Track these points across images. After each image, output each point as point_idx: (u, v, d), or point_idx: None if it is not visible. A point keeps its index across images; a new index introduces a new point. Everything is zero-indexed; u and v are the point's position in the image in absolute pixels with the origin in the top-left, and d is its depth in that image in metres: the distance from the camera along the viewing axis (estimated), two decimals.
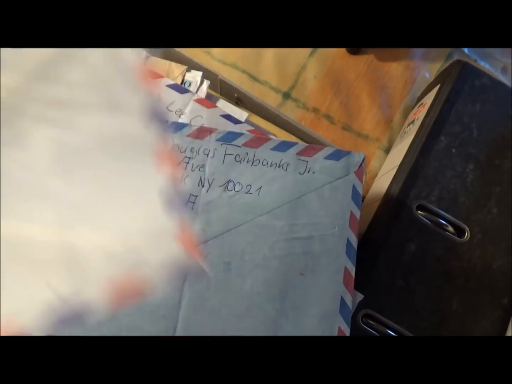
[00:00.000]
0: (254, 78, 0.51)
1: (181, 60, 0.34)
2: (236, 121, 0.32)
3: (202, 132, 0.31)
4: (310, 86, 0.52)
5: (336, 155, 0.31)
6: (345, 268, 0.29)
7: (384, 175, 0.44)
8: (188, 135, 0.31)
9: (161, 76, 0.31)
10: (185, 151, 0.31)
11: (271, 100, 0.51)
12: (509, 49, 0.55)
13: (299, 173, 0.30)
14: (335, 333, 0.27)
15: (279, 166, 0.30)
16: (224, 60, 0.51)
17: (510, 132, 0.40)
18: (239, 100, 0.36)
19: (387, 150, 0.50)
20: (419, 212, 0.38)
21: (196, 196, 0.30)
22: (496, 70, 0.54)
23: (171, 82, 0.31)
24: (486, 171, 0.39)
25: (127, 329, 0.26)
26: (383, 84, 0.52)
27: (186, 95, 0.32)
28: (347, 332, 0.27)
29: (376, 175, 0.49)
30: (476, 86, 0.41)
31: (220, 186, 0.30)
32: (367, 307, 0.35)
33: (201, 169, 0.30)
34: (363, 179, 0.34)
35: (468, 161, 0.39)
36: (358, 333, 0.35)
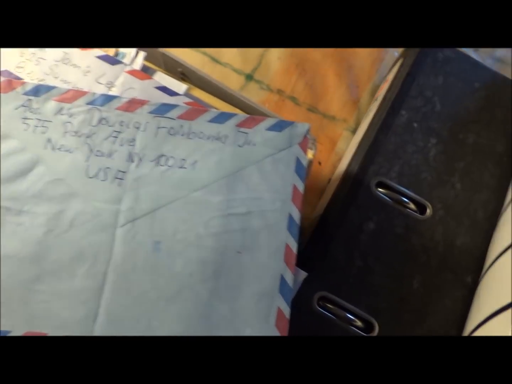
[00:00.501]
0: (216, 60, 0.49)
1: None
2: (172, 93, 0.30)
3: (133, 105, 0.29)
4: (274, 68, 0.50)
5: (279, 126, 0.29)
6: (287, 244, 0.27)
7: (346, 156, 0.43)
8: (117, 108, 0.29)
9: (89, 48, 0.30)
10: (113, 125, 0.29)
11: (233, 83, 0.49)
12: None
13: (238, 145, 0.29)
14: (274, 314, 0.25)
15: (216, 139, 0.29)
16: None
17: (474, 105, 0.38)
18: (184, 75, 0.34)
19: (355, 131, 0.48)
20: (378, 189, 0.36)
21: (125, 172, 0.28)
22: (467, 47, 0.52)
23: (102, 53, 0.30)
24: (449, 145, 0.37)
25: (41, 316, 0.24)
26: (350, 64, 0.50)
27: (118, 66, 0.30)
28: (286, 312, 0.25)
29: (342, 157, 0.47)
30: (439, 59, 0.40)
31: (152, 161, 0.28)
32: (324, 289, 0.33)
33: (131, 144, 0.28)
34: (311, 151, 0.32)
35: (430, 135, 0.37)
36: (314, 317, 0.33)
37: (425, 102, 0.38)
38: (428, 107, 0.38)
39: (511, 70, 0.51)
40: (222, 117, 0.29)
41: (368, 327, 0.33)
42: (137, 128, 0.29)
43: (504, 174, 0.36)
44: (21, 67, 0.30)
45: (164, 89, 0.31)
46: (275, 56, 0.50)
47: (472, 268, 0.34)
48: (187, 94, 0.32)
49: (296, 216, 0.28)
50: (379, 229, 0.35)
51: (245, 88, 0.49)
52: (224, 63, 0.49)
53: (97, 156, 0.28)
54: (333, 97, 0.49)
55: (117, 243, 0.27)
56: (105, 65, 0.30)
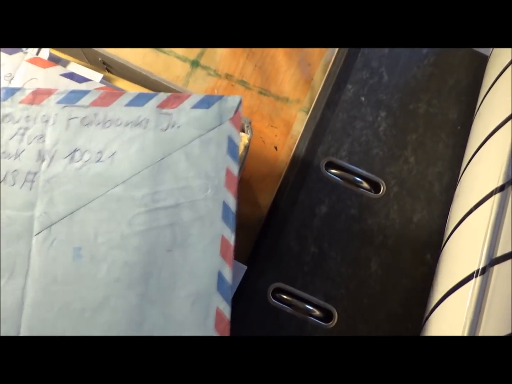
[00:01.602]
0: (157, 49, 0.47)
1: None
2: (82, 79, 0.27)
3: (38, 96, 0.26)
4: (220, 51, 0.47)
5: (206, 102, 0.26)
6: (222, 236, 0.25)
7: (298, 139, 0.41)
8: (21, 102, 0.26)
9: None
10: (18, 121, 0.26)
11: (179, 70, 0.46)
12: None
13: (161, 129, 0.26)
14: (213, 316, 0.23)
15: (136, 125, 0.26)
16: None
17: (423, 73, 0.36)
18: (107, 65, 0.32)
19: (309, 111, 0.46)
20: (329, 170, 0.34)
21: (35, 173, 0.25)
22: None
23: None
24: (400, 118, 0.35)
25: None
26: None
27: (17, 55, 0.27)
28: (227, 312, 0.23)
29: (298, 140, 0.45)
30: None
31: (65, 158, 0.25)
32: (278, 281, 0.32)
33: (40, 140, 0.25)
34: (247, 136, 0.29)
35: (379, 109, 0.36)
36: (270, 310, 0.31)
37: (371, 74, 0.36)
38: (375, 78, 0.36)
39: None
40: (140, 99, 0.26)
41: (327, 315, 0.31)
42: (46, 122, 0.26)
43: (458, 143, 0.35)
44: None
45: (71, 76, 0.28)
46: None
47: (431, 245, 0.33)
48: (104, 81, 0.29)
49: (232, 202, 0.25)
50: (332, 212, 0.33)
51: (192, 75, 0.46)
52: (168, 51, 0.46)
53: (3, 158, 0.25)
54: (284, 78, 0.47)
55: (34, 253, 0.24)
56: (4, 56, 0.28)
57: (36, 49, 0.29)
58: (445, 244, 0.31)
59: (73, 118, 0.26)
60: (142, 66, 0.41)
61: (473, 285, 0.26)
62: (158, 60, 0.46)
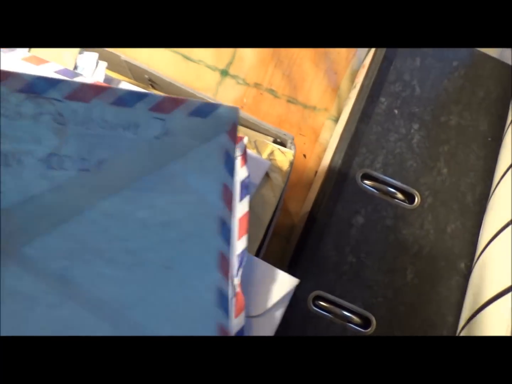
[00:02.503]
0: (187, 58, 0.48)
1: None
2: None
3: None
4: (248, 60, 0.48)
5: (203, 111, 0.24)
6: (220, 252, 0.23)
7: (331, 147, 0.42)
8: None
9: (45, 62, 0.28)
10: None
11: (208, 80, 0.47)
12: None
13: (155, 137, 0.23)
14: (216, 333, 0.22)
15: (124, 129, 0.23)
16: None
17: (454, 85, 0.37)
18: (153, 81, 0.33)
19: (337, 120, 0.47)
20: (364, 181, 0.35)
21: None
22: None
23: (60, 67, 0.28)
24: (432, 130, 0.36)
25: None
26: (326, 50, 0.49)
27: (77, 79, 0.28)
28: (231, 329, 0.23)
29: (327, 148, 0.46)
30: None
31: (37, 164, 0.21)
32: (317, 289, 0.33)
33: None
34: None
35: (412, 121, 0.36)
36: (310, 317, 0.32)
37: (404, 87, 0.37)
38: (407, 91, 0.37)
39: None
40: (130, 98, 0.23)
41: (365, 322, 0.33)
42: (6, 116, 0.21)
43: (489, 155, 0.36)
44: None
45: (65, 72, 0.27)
46: (249, 49, 0.48)
47: (464, 254, 0.34)
48: None
49: (227, 217, 0.24)
50: (368, 222, 0.34)
51: (221, 84, 0.47)
52: (197, 60, 0.48)
53: None
54: (311, 86, 0.48)
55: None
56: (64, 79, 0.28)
57: (93, 71, 0.29)
58: (480, 254, 0.32)
59: (45, 113, 0.21)
60: (174, 75, 0.42)
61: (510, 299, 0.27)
62: (188, 69, 0.47)
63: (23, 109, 0.21)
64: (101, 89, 0.22)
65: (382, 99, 0.37)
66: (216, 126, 0.24)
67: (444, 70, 0.38)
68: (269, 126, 0.30)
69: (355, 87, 0.42)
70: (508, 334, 0.26)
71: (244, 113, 0.30)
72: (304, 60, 0.48)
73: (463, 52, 0.39)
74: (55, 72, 0.28)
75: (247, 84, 0.48)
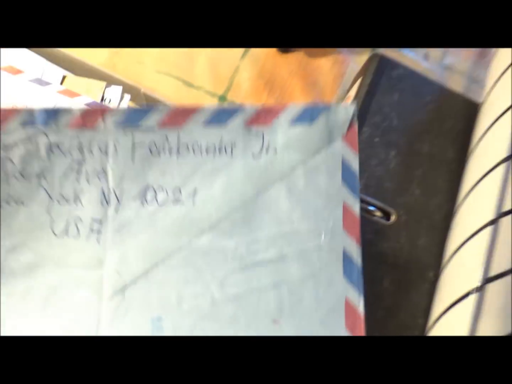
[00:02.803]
0: (189, 84, 0.52)
1: (101, 76, 0.34)
2: None
3: (90, 117, 0.20)
4: (244, 87, 0.53)
5: (308, 116, 0.20)
6: (347, 300, 0.19)
7: None
8: (69, 126, 0.20)
9: (78, 95, 0.32)
10: (70, 153, 0.20)
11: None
12: None
13: (253, 155, 0.20)
14: None
15: (219, 151, 0.20)
16: (158, 68, 0.52)
17: (426, 117, 0.43)
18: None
19: None
20: None
21: (101, 221, 0.20)
22: (419, 57, 0.57)
23: (90, 100, 0.32)
24: (407, 156, 0.42)
25: None
26: (315, 79, 0.54)
27: (48, 87, 0.31)
28: None
29: None
30: (393, 77, 0.44)
31: (135, 199, 0.20)
32: None
33: (101, 177, 0.20)
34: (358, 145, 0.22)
35: (390, 148, 0.42)
36: None
37: (383, 118, 0.43)
38: (387, 122, 0.43)
39: (462, 77, 0.56)
40: (222, 115, 0.20)
41: None
42: (105, 152, 0.20)
43: (455, 179, 0.41)
44: None
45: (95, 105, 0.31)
46: (245, 77, 0.53)
47: (433, 264, 0.39)
48: None
49: (355, 251, 0.20)
50: None
51: None
52: (197, 87, 0.52)
53: (60, 203, 0.20)
54: None
55: (104, 326, 0.19)
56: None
57: (118, 103, 0.34)
58: (446, 265, 0.38)
59: (139, 144, 0.20)
60: (176, 100, 0.47)
61: (488, 231, 0.32)
62: (189, 94, 0.52)
63: (120, 144, 0.20)
64: (193, 111, 0.20)
65: (365, 129, 0.42)
66: (328, 131, 0.20)
67: (418, 104, 0.43)
68: None
69: None
70: (467, 334, 0.31)
71: None
72: (294, 89, 0.54)
73: (435, 89, 0.44)
74: (86, 104, 0.32)
75: None
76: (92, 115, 0.20)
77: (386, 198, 0.40)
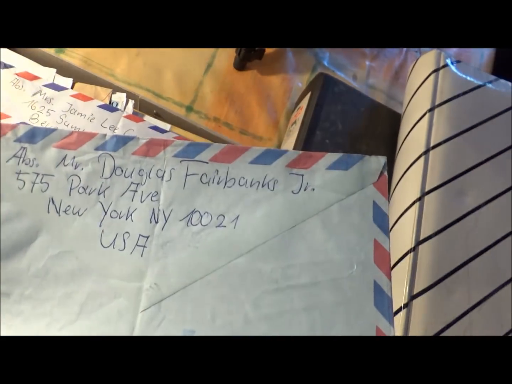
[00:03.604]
0: (159, 95, 0.58)
1: (100, 84, 0.39)
2: (162, 131, 0.38)
3: (153, 147, 0.23)
4: (208, 99, 0.60)
5: (344, 163, 0.24)
6: (377, 328, 0.20)
7: None
8: (134, 153, 0.23)
9: (91, 98, 0.36)
10: (130, 176, 0.23)
11: None
12: (357, 60, 0.71)
13: (292, 192, 0.22)
14: None
15: (263, 185, 0.22)
16: (128, 81, 0.56)
17: (362, 124, 0.54)
18: (158, 115, 0.42)
19: (279, 147, 0.61)
20: None
21: (147, 237, 0.22)
22: (348, 78, 0.70)
23: (101, 103, 0.36)
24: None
25: None
26: (268, 93, 0.63)
27: (116, 113, 0.37)
28: None
29: None
30: (336, 92, 0.55)
31: (181, 220, 0.22)
32: None
33: (153, 198, 0.22)
34: (387, 193, 0.26)
35: (338, 148, 0.52)
36: None
37: (331, 124, 0.53)
38: (334, 127, 0.53)
39: (385, 96, 0.69)
40: (267, 156, 0.24)
41: None
42: (161, 177, 0.23)
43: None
44: (35, 118, 0.35)
45: (155, 128, 0.38)
46: (208, 90, 0.61)
47: None
48: (171, 131, 0.40)
49: (385, 284, 0.21)
50: None
51: (187, 118, 0.58)
52: (166, 98, 0.58)
53: (113, 218, 0.22)
54: (258, 121, 0.62)
55: (137, 335, 0.20)
56: (106, 113, 0.37)
57: (124, 106, 0.38)
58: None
59: (192, 174, 0.23)
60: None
61: (409, 259, 0.42)
62: (159, 104, 0.57)
63: (175, 173, 0.23)
64: (243, 150, 0.23)
65: (318, 132, 0.52)
66: (361, 178, 0.23)
67: (355, 113, 0.54)
68: None
69: (295, 123, 0.56)
70: (406, 288, 0.41)
71: (233, 141, 0.41)
72: (251, 101, 0.62)
73: (367, 102, 0.56)
74: (98, 106, 0.36)
75: (208, 118, 0.59)
76: (156, 146, 0.23)
77: None
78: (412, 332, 0.39)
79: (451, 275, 0.42)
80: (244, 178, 0.23)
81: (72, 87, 0.36)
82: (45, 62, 0.39)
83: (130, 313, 0.21)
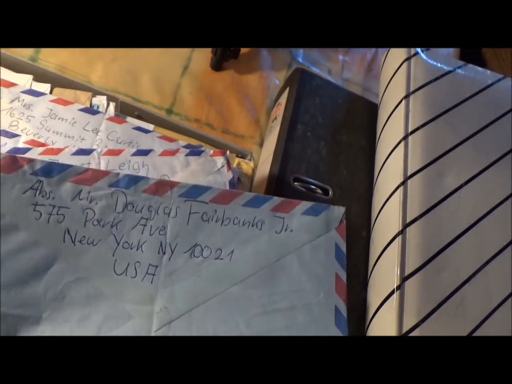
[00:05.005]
0: (137, 100, 0.57)
1: (78, 88, 0.38)
2: (146, 131, 0.38)
3: (161, 187, 0.26)
4: (187, 101, 0.60)
5: (315, 210, 0.29)
6: None
7: (263, 163, 0.56)
8: (144, 191, 0.26)
9: (71, 102, 0.36)
10: (141, 211, 0.25)
11: None
12: (330, 55, 0.73)
13: (276, 232, 0.27)
14: None
15: (252, 225, 0.26)
16: (106, 87, 0.56)
17: (341, 115, 0.55)
18: (140, 117, 0.42)
19: (261, 144, 0.62)
20: (295, 183, 0.49)
21: (156, 266, 0.25)
22: (323, 72, 0.71)
23: (82, 106, 0.36)
24: (332, 146, 0.53)
25: None
26: (246, 92, 0.64)
27: (98, 115, 0.36)
28: None
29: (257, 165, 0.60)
30: (313, 86, 0.56)
31: (186, 252, 0.25)
32: None
33: (161, 232, 0.25)
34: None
35: (320, 140, 0.53)
36: None
37: (311, 117, 0.53)
38: (314, 120, 0.53)
39: (360, 88, 0.71)
40: (257, 201, 0.28)
41: None
42: (168, 214, 0.26)
43: (370, 160, 0.53)
44: (15, 126, 0.34)
45: (139, 129, 0.38)
46: (186, 92, 0.60)
47: (365, 225, 0.50)
48: (154, 132, 0.40)
49: (343, 308, 0.26)
50: None
51: (170, 118, 0.58)
52: (145, 102, 0.57)
53: (125, 248, 0.25)
54: (239, 120, 0.62)
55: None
56: (88, 116, 0.36)
57: (105, 108, 0.38)
58: (374, 223, 0.49)
59: (194, 212, 0.26)
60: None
61: (397, 242, 0.43)
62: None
63: (180, 210, 0.26)
64: (237, 194, 0.27)
65: (299, 126, 0.52)
66: (327, 223, 0.29)
67: (334, 105, 0.55)
68: (233, 145, 0.43)
69: (276, 119, 0.57)
70: (397, 268, 0.42)
71: (217, 137, 0.41)
72: (231, 100, 0.62)
73: (344, 94, 0.57)
74: (79, 110, 0.36)
75: (189, 119, 0.59)
76: (164, 186, 0.26)
77: (322, 178, 0.51)
78: (407, 313, 0.40)
79: (440, 254, 0.43)
80: (237, 218, 0.27)
81: (50, 93, 0.35)
82: (19, 70, 0.38)
83: (144, 332, 0.24)
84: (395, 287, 0.41)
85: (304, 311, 0.25)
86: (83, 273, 0.24)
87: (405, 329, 0.39)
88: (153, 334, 0.23)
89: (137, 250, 0.25)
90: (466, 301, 0.42)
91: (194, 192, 0.27)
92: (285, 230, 0.27)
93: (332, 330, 0.25)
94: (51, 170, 0.24)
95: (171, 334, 0.23)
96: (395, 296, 0.41)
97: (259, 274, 0.26)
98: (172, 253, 0.25)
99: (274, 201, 0.28)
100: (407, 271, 0.42)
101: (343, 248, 0.29)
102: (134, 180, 0.26)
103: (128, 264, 0.25)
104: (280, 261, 0.26)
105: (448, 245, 0.44)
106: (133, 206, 0.25)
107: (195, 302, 0.24)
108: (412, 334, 0.38)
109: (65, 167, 0.25)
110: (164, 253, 0.25)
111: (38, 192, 0.24)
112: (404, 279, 0.42)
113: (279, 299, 0.26)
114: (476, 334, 0.40)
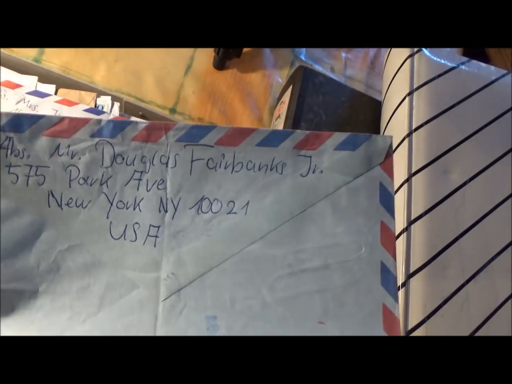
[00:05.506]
0: (141, 100, 0.57)
1: (83, 89, 0.39)
2: (100, 112, 0.37)
3: (154, 132, 0.21)
4: (191, 101, 0.60)
5: (352, 142, 0.22)
6: (384, 306, 0.20)
7: None
8: (133, 138, 0.21)
9: (76, 103, 0.36)
10: (133, 163, 0.21)
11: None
12: (333, 53, 0.72)
13: (301, 175, 0.22)
14: None
15: (271, 169, 0.22)
16: (109, 87, 0.56)
17: (345, 112, 0.55)
18: (144, 116, 0.42)
19: None
20: None
21: (158, 226, 0.21)
22: (326, 70, 0.71)
23: (87, 106, 0.36)
24: None
25: None
26: (249, 91, 0.64)
27: (103, 116, 0.36)
28: None
29: None
30: (316, 83, 0.56)
31: (191, 208, 0.21)
32: None
33: (160, 187, 0.21)
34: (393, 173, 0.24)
35: None
36: None
37: (315, 115, 0.53)
38: (317, 118, 0.53)
39: (364, 86, 0.71)
40: (274, 138, 0.23)
41: None
42: (165, 164, 0.22)
43: None
44: None
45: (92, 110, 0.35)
46: (190, 91, 0.61)
47: None
48: None
49: (391, 264, 0.21)
50: None
51: (173, 117, 0.58)
52: (149, 101, 0.58)
53: (120, 208, 0.21)
54: (242, 119, 0.62)
55: (161, 323, 0.20)
56: (93, 116, 0.36)
57: (110, 109, 0.38)
58: None
59: (197, 159, 0.22)
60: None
61: (402, 239, 0.43)
62: (143, 108, 0.57)
63: (180, 158, 0.22)
64: (248, 132, 0.22)
65: (302, 124, 0.52)
66: (368, 158, 0.22)
67: (337, 103, 0.55)
68: None
69: (279, 117, 0.57)
70: (403, 256, 0.42)
71: None
72: (234, 99, 0.62)
73: (347, 91, 0.57)
74: (84, 110, 0.36)
75: (192, 118, 0.59)
76: (156, 130, 0.22)
77: None
78: (412, 310, 0.40)
79: (445, 251, 0.43)
80: (251, 162, 0.22)
81: (55, 93, 0.35)
82: (24, 71, 0.39)
83: (151, 302, 0.21)
84: (400, 284, 0.41)
85: (340, 270, 0.21)
86: (76, 239, 0.21)
87: (410, 325, 0.39)
88: (160, 305, 0.20)
89: (134, 209, 0.21)
90: (472, 298, 0.42)
91: (194, 134, 0.22)
92: (313, 172, 0.22)
93: (377, 291, 0.21)
94: (19, 123, 0.20)
95: (181, 303, 0.20)
96: (401, 293, 0.41)
97: (283, 229, 0.21)
98: (176, 210, 0.21)
99: (297, 136, 0.22)
100: (412, 268, 0.42)
101: (391, 189, 0.22)
102: (120, 126, 0.21)
103: (126, 227, 0.21)
104: (308, 211, 0.21)
105: (453, 242, 0.44)
106: (123, 158, 0.21)
107: (207, 265, 0.21)
108: (418, 330, 0.38)
109: (35, 119, 0.21)
110: (166, 211, 0.21)
111: (9, 151, 0.20)
112: (409, 276, 0.42)
113: (309, 257, 0.21)
114: (482, 330, 0.40)
